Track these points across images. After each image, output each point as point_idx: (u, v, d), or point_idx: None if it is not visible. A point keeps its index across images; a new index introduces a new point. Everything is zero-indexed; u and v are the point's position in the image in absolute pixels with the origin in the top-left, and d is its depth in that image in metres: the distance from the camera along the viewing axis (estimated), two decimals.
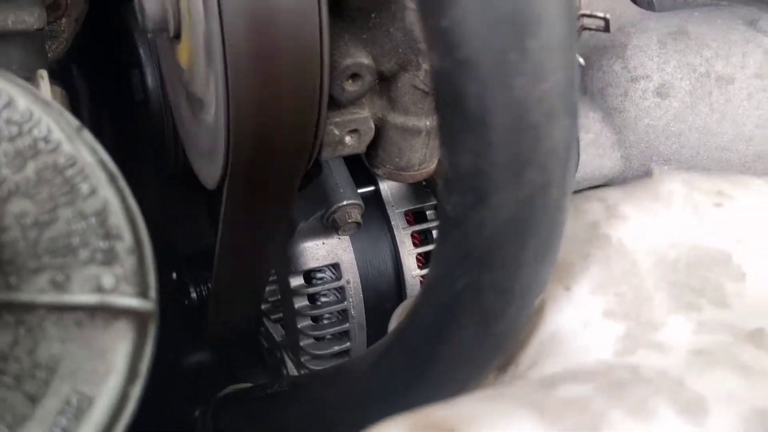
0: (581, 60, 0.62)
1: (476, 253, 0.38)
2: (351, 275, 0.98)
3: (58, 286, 0.32)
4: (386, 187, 1.02)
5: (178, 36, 0.63)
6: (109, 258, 0.33)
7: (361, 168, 1.02)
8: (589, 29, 0.59)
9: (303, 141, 0.62)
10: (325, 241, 0.97)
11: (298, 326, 0.97)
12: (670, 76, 0.80)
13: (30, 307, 0.31)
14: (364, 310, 0.99)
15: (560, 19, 0.32)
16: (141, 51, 0.90)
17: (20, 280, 0.32)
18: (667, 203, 0.47)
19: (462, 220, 0.37)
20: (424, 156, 0.73)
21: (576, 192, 0.81)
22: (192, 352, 1.26)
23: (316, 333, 0.97)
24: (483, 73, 0.31)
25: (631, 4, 0.88)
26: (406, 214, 1.02)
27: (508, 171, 0.34)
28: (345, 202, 0.91)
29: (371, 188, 1.02)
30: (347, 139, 0.69)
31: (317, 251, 0.97)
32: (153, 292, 0.35)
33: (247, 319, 1.00)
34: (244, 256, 0.78)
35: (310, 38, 0.54)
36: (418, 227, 1.01)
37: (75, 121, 0.37)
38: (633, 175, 0.87)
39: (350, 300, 0.98)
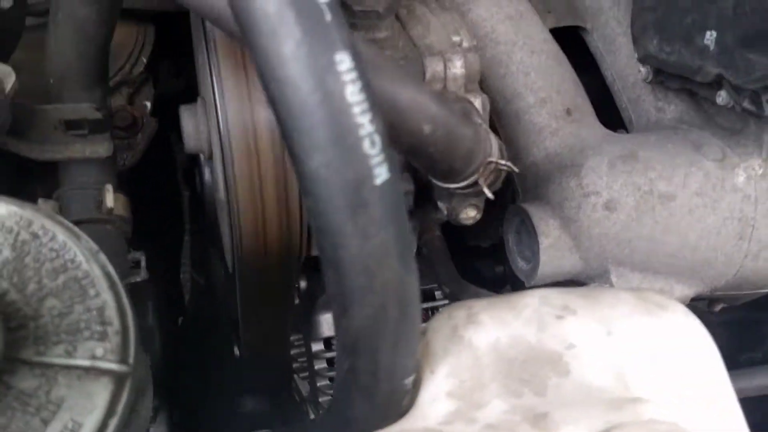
0: (515, 168, 0.79)
1: (349, 346, 0.56)
2: None
3: (69, 354, 0.53)
4: None
5: (210, 157, 0.85)
6: (102, 337, 0.54)
7: None
8: (502, 169, 0.77)
9: (289, 251, 0.82)
10: None
11: (317, 385, 1.16)
12: (617, 193, 0.96)
13: (50, 366, 0.52)
14: None
15: (383, 198, 0.50)
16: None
17: (46, 348, 0.53)
18: (518, 314, 0.63)
19: (338, 323, 0.55)
20: None
21: (540, 286, 0.97)
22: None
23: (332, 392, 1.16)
24: (331, 234, 0.49)
25: (599, 127, 1.04)
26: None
27: (354, 295, 0.52)
28: None
29: None
30: None
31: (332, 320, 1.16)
32: (131, 359, 0.56)
33: (276, 376, 1.20)
34: (257, 328, 0.99)
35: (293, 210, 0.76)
36: (424, 305, 1.19)
37: (95, 247, 0.58)
38: (594, 273, 1.02)
39: None
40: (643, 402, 0.59)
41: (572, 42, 1.17)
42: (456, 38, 0.87)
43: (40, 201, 0.83)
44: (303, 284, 1.21)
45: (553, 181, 0.99)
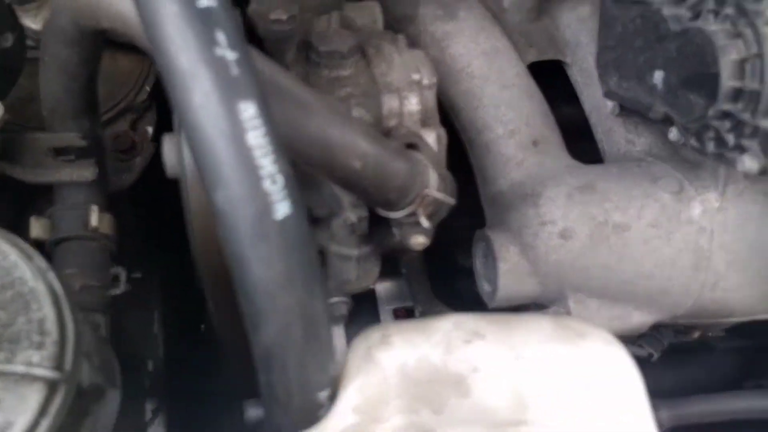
0: (450, 200, 0.84)
1: (262, 362, 0.62)
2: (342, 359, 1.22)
3: (8, 360, 0.60)
4: (381, 287, 1.26)
5: None
6: (40, 346, 0.62)
7: None
8: (442, 201, 0.82)
9: None
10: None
11: None
12: (573, 223, 0.99)
13: None
14: None
15: (283, 232, 0.56)
16: None
17: None
18: (428, 337, 0.68)
19: (251, 340, 0.62)
20: (357, 275, 0.97)
21: (499, 309, 1.03)
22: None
23: None
24: (236, 261, 0.55)
25: (564, 158, 1.08)
26: (396, 310, 1.25)
27: (260, 317, 0.58)
28: (334, 299, 1.15)
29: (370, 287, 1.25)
30: None
31: None
32: (67, 367, 0.63)
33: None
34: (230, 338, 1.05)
35: None
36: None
37: (45, 266, 0.66)
38: (553, 297, 1.06)
39: None
40: (527, 424, 0.63)
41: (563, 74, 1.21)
42: (416, 76, 0.93)
43: (32, 219, 0.91)
44: None
45: (514, 209, 1.03)
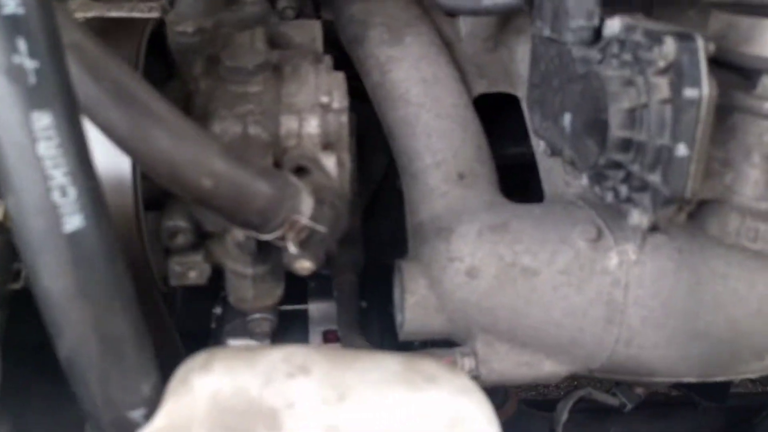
0: (320, 228, 0.82)
1: (66, 373, 0.62)
2: None
3: None
4: (315, 308, 1.26)
5: None
6: None
7: (305, 287, 1.27)
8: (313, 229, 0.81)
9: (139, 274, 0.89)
10: (249, 343, 1.22)
11: None
12: (480, 261, 0.97)
13: None
14: None
15: (73, 245, 0.56)
16: None
17: None
18: (251, 366, 0.67)
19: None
20: (255, 294, 0.96)
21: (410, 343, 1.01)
22: None
23: None
24: (27, 267, 0.56)
25: (490, 193, 1.06)
26: (326, 332, 1.24)
27: (55, 327, 0.58)
28: (257, 316, 1.15)
29: (304, 307, 1.25)
30: (191, 273, 0.95)
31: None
32: None
33: None
34: None
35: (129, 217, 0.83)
36: (332, 346, 1.23)
37: None
38: (462, 336, 1.03)
39: None
40: None
41: None
42: (324, 99, 0.92)
43: None
44: (218, 311, 1.28)
45: (429, 241, 1.02)
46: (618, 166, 0.80)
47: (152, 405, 0.67)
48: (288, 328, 1.24)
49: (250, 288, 0.96)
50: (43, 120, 0.53)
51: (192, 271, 0.95)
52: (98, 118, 0.68)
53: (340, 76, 0.97)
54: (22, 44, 0.53)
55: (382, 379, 0.70)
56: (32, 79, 0.53)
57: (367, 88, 1.16)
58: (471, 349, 1.02)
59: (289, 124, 0.90)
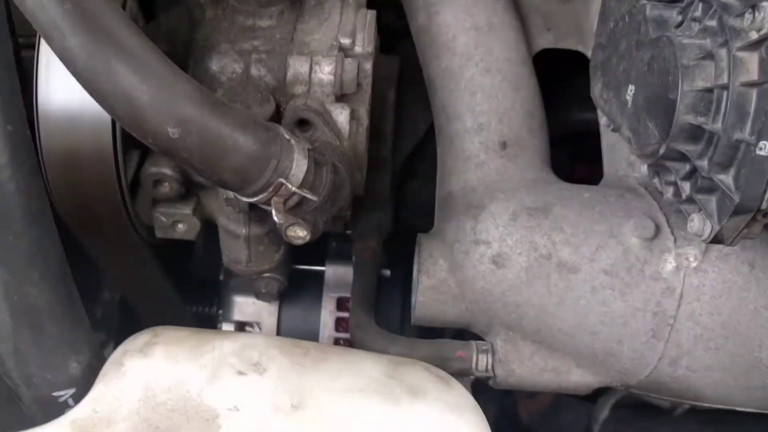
0: (312, 196, 0.71)
1: None
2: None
3: None
4: (332, 271, 1.16)
5: None
6: None
7: (321, 251, 1.18)
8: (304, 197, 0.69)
9: (115, 220, 0.81)
10: (256, 301, 1.13)
11: None
12: (509, 249, 0.84)
13: None
14: None
15: None
16: None
17: None
18: (198, 356, 0.57)
19: None
20: (248, 257, 0.86)
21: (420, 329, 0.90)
22: None
23: None
24: None
25: (535, 168, 0.92)
26: (340, 299, 1.15)
27: None
28: (266, 275, 1.06)
29: (321, 268, 1.16)
30: (179, 226, 0.86)
31: (246, 308, 1.14)
32: None
33: None
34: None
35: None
36: (343, 314, 1.13)
37: None
38: (483, 328, 0.91)
39: None
40: None
41: None
42: (345, 41, 0.80)
43: None
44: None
45: (456, 217, 0.89)
46: (682, 158, 0.65)
47: (85, 385, 0.59)
48: (300, 290, 1.15)
49: (243, 249, 0.87)
50: None
51: (180, 224, 0.86)
52: (55, 44, 0.58)
53: (370, 15, 0.85)
54: None
55: (353, 386, 0.60)
56: None
57: (412, 30, 1.02)
58: (490, 345, 0.90)
59: (298, 66, 0.78)
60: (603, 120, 0.91)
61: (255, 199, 0.69)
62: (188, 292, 1.21)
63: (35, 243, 0.51)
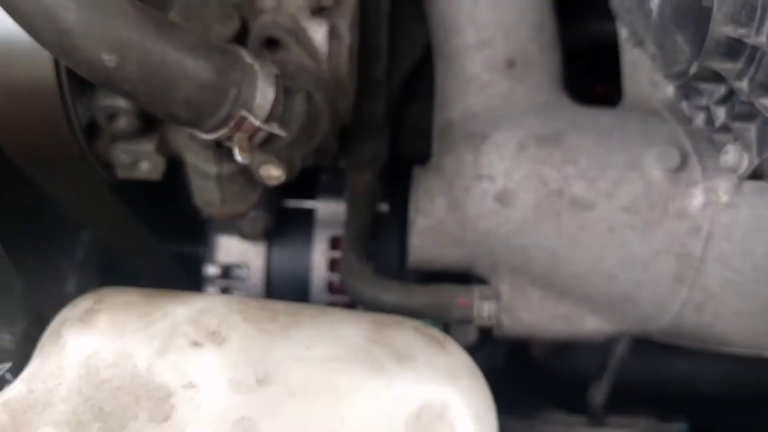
0: (280, 131, 0.62)
1: None
2: (257, 279, 1.06)
3: None
4: (324, 207, 1.08)
5: None
6: None
7: (312, 185, 1.09)
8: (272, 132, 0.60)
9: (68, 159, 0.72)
10: (242, 241, 1.05)
11: None
12: (515, 185, 0.76)
13: None
14: None
15: None
16: None
17: None
18: (147, 325, 0.50)
19: None
20: (221, 197, 0.78)
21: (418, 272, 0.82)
22: None
23: None
24: None
25: (546, 90, 0.83)
26: (333, 238, 1.07)
27: None
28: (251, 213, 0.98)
29: (309, 206, 1.08)
30: (142, 165, 0.77)
31: (232, 248, 1.06)
32: None
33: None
34: None
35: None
36: (337, 253, 1.05)
37: None
38: (486, 271, 0.83)
39: None
40: None
41: None
42: None
43: None
44: None
45: (454, 149, 0.80)
46: (717, 78, 0.56)
47: (22, 357, 0.51)
48: (290, 228, 1.06)
49: (215, 190, 0.78)
50: None
51: (143, 162, 0.77)
52: None
53: None
54: None
55: (329, 355, 0.52)
56: None
57: None
58: (494, 290, 0.82)
59: None
60: (623, 32, 0.80)
61: (214, 135, 0.60)
62: (166, 229, 1.13)
63: None
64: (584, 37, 1.13)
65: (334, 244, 1.07)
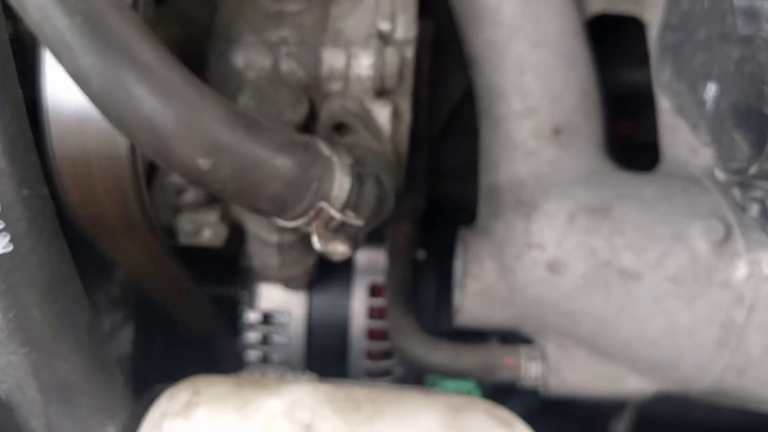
0: (357, 221, 0.66)
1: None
2: (298, 326, 1.10)
3: None
4: (362, 256, 1.12)
5: None
6: None
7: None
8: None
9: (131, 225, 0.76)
10: (283, 288, 1.09)
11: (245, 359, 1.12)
12: (566, 254, 0.80)
13: None
14: (305, 360, 1.11)
15: None
16: None
17: None
18: (245, 417, 0.54)
19: None
20: (281, 263, 0.82)
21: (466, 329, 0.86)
22: None
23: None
24: None
25: (591, 159, 0.87)
26: (372, 286, 1.11)
27: None
28: None
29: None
30: (205, 233, 0.81)
31: (273, 295, 1.10)
32: None
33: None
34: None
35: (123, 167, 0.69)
36: (376, 301, 1.09)
37: None
38: (533, 332, 0.88)
39: (292, 348, 1.11)
40: None
41: None
42: (384, 26, 0.74)
43: None
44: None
45: (504, 214, 0.84)
46: None
47: None
48: (330, 276, 1.10)
49: (275, 256, 0.82)
50: None
51: (206, 230, 0.81)
52: (64, 62, 0.52)
53: None
54: None
55: None
56: None
57: None
58: (540, 351, 0.86)
59: (333, 61, 0.72)
60: (664, 102, 0.85)
61: (294, 224, 0.64)
62: (202, 270, 1.17)
63: (62, 314, 0.47)
64: (613, 85, 1.17)
65: (373, 291, 1.11)
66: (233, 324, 1.17)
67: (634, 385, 0.86)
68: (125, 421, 0.55)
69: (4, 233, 0.43)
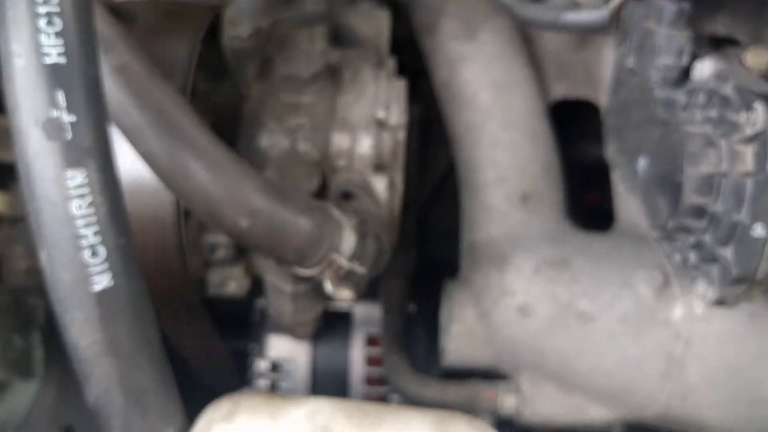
0: (360, 269, 0.84)
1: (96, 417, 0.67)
2: (303, 373, 1.26)
3: None
4: (360, 309, 1.29)
5: None
6: None
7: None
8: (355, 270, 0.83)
9: (174, 283, 0.93)
10: (289, 338, 1.26)
11: None
12: (534, 299, 0.98)
13: None
14: None
15: (101, 304, 0.60)
16: None
17: None
18: (273, 421, 0.71)
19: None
20: (294, 310, 0.99)
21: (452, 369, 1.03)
22: None
23: None
24: (57, 318, 0.60)
25: (554, 220, 1.05)
26: (369, 337, 1.28)
27: (82, 377, 0.63)
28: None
29: (348, 308, 1.29)
30: (231, 284, 0.99)
31: (281, 345, 1.27)
32: None
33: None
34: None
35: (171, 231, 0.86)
36: (373, 350, 1.26)
37: None
38: (508, 369, 1.05)
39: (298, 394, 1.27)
40: None
41: None
42: (382, 113, 0.93)
43: None
44: (263, 303, 1.33)
45: (482, 267, 1.03)
46: (689, 231, 0.79)
47: None
48: (331, 328, 1.27)
49: (289, 303, 1.00)
50: (77, 178, 0.56)
51: (232, 282, 0.99)
52: (138, 146, 0.71)
53: (401, 86, 0.98)
54: (60, 97, 0.56)
55: None
56: (68, 134, 0.56)
57: (434, 83, 1.15)
58: (515, 385, 1.03)
59: (340, 142, 0.91)
60: (616, 173, 1.04)
61: (311, 272, 0.82)
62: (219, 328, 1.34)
63: (143, 333, 0.64)
64: (577, 159, 1.38)
65: (370, 341, 1.28)
66: (242, 375, 1.33)
67: (597, 413, 1.03)
68: (181, 426, 0.71)
69: (108, 272, 0.60)
